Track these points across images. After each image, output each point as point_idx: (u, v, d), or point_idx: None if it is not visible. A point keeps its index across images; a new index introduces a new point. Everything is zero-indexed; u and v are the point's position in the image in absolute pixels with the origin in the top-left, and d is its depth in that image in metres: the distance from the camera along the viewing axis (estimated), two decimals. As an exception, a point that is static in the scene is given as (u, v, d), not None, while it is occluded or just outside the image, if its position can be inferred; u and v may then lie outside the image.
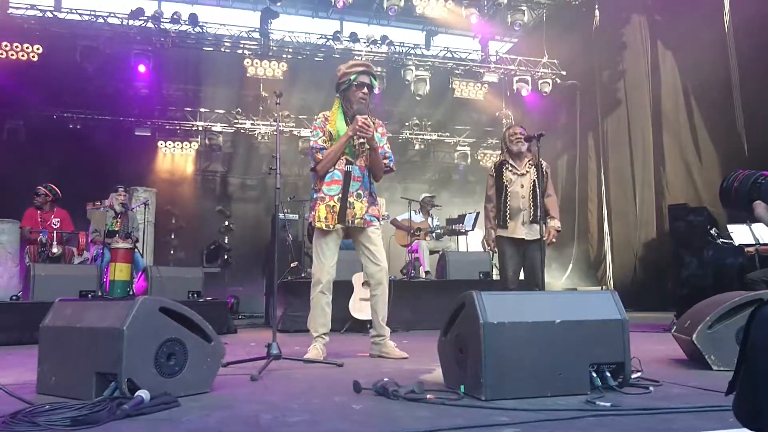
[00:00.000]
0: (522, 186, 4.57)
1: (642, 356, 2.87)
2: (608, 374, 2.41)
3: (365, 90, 3.88)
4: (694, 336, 3.00)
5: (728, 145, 8.24)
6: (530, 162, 4.64)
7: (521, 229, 4.53)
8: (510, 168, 4.63)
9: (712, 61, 8.39)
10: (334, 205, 3.80)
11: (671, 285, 7.70)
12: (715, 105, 8.52)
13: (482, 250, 5.07)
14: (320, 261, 3.85)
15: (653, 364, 3.22)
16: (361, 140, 3.81)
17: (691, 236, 6.09)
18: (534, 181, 4.55)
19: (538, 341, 2.33)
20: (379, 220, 3.99)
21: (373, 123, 3.94)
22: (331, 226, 3.80)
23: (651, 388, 2.43)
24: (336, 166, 3.84)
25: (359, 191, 3.85)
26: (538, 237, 4.42)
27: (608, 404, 2.11)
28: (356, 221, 3.81)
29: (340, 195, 3.81)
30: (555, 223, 4.61)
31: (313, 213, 3.88)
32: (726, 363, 2.93)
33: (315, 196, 3.91)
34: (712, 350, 2.97)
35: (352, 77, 3.86)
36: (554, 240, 4.61)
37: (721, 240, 5.86)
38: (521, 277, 4.72)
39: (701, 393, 2.39)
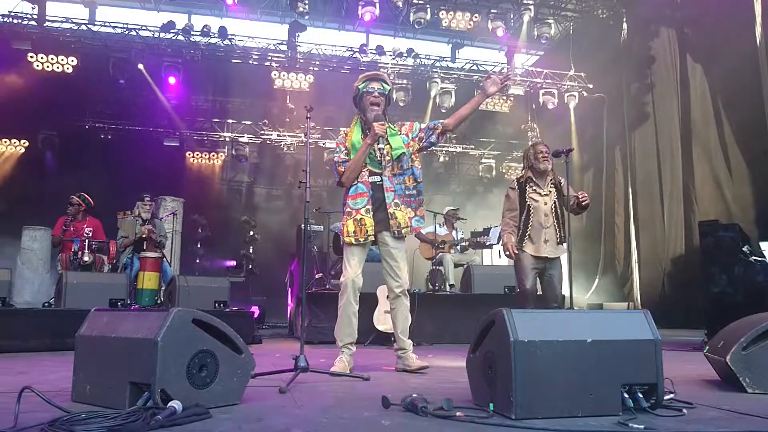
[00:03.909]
0: (545, 204, 4.60)
1: (673, 376, 2.82)
2: (641, 395, 2.36)
3: (375, 94, 3.88)
4: (728, 357, 2.94)
5: (760, 160, 8.08)
6: (552, 181, 4.69)
7: (544, 247, 4.55)
8: (534, 187, 4.65)
9: (743, 76, 8.27)
10: (361, 218, 3.81)
11: (700, 302, 7.56)
12: (747, 120, 8.37)
13: (506, 260, 4.97)
14: (346, 269, 3.88)
15: (685, 384, 3.16)
16: (380, 146, 3.80)
17: (721, 252, 5.97)
18: (555, 201, 4.63)
19: (569, 360, 2.30)
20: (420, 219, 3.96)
21: (397, 125, 3.99)
22: (361, 240, 3.81)
23: (684, 411, 2.38)
24: (359, 179, 3.86)
25: (396, 200, 3.85)
26: (559, 255, 4.57)
27: (641, 427, 2.08)
28: (403, 231, 3.83)
29: (368, 207, 3.82)
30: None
31: (342, 227, 3.92)
32: (762, 386, 2.87)
33: (344, 210, 3.95)
34: (747, 372, 2.91)
35: (361, 86, 3.93)
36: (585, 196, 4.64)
37: (754, 257, 5.74)
38: (539, 291, 4.74)
39: (738, 417, 2.33)
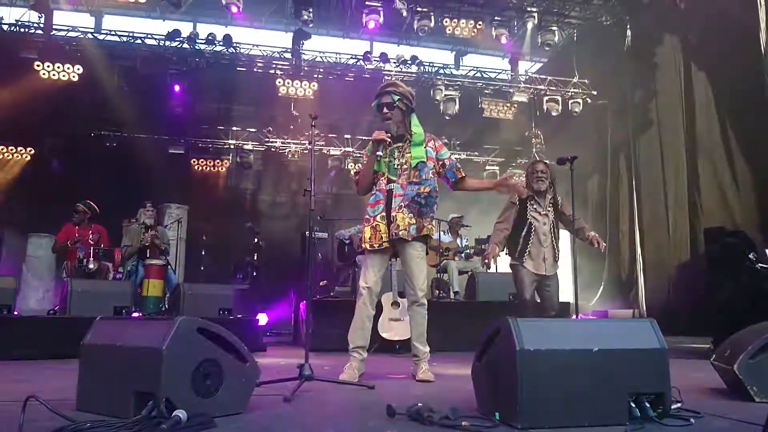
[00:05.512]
0: (545, 224, 4.72)
1: (680, 385, 2.80)
2: (647, 405, 2.35)
3: (384, 110, 3.95)
4: (736, 366, 2.92)
5: (765, 167, 8.06)
6: (551, 201, 4.79)
7: (543, 266, 4.70)
8: (535, 206, 4.75)
9: (747, 83, 8.24)
10: (377, 225, 3.86)
11: (706, 309, 7.52)
12: (751, 127, 8.34)
13: (487, 267, 5.11)
14: (364, 274, 3.92)
15: (692, 393, 3.14)
16: (379, 153, 3.85)
17: (727, 260, 5.94)
18: (553, 221, 4.76)
19: (575, 369, 2.29)
20: (421, 234, 3.86)
21: (427, 137, 4.00)
22: (375, 246, 3.85)
23: (692, 420, 2.36)
24: (377, 187, 3.92)
25: (401, 204, 3.85)
26: (555, 272, 4.76)
27: (649, 436, 2.07)
28: (400, 233, 3.81)
29: (383, 214, 3.86)
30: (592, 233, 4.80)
31: (361, 233, 3.99)
32: (770, 395, 2.85)
33: (364, 218, 4.00)
34: (754, 381, 2.89)
35: (373, 104, 4.04)
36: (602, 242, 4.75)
37: (760, 265, 5.70)
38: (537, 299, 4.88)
39: (746, 426, 2.32)
